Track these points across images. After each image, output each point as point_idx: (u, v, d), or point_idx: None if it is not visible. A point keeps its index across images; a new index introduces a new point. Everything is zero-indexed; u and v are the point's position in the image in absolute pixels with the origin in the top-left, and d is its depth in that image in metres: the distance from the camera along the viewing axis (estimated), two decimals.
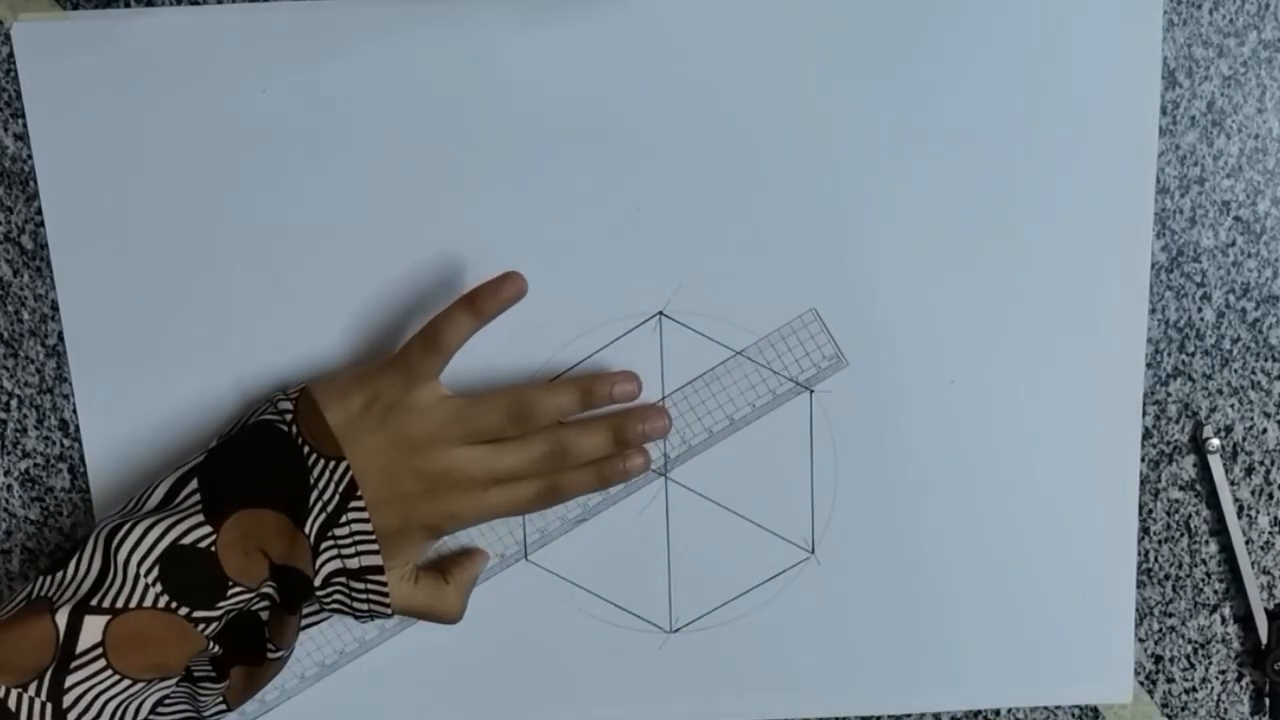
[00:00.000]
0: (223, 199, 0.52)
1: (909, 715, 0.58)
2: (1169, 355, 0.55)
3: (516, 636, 0.57)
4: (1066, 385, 0.54)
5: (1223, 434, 0.56)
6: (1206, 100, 0.53)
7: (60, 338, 0.54)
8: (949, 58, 0.52)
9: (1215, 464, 0.56)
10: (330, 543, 0.48)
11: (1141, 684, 0.58)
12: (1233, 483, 0.56)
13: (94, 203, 0.52)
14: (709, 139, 0.52)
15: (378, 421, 0.49)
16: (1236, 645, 0.58)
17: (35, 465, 0.55)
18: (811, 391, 0.55)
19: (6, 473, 0.55)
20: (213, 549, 0.47)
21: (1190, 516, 0.57)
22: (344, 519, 0.48)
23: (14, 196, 0.53)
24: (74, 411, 0.54)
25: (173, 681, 0.48)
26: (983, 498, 0.55)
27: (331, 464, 0.48)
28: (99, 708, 0.46)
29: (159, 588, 0.46)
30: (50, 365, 0.54)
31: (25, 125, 0.52)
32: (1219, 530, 0.57)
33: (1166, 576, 0.57)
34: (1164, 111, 0.53)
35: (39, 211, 0.53)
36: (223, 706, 0.52)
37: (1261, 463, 0.56)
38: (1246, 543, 0.56)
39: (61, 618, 0.45)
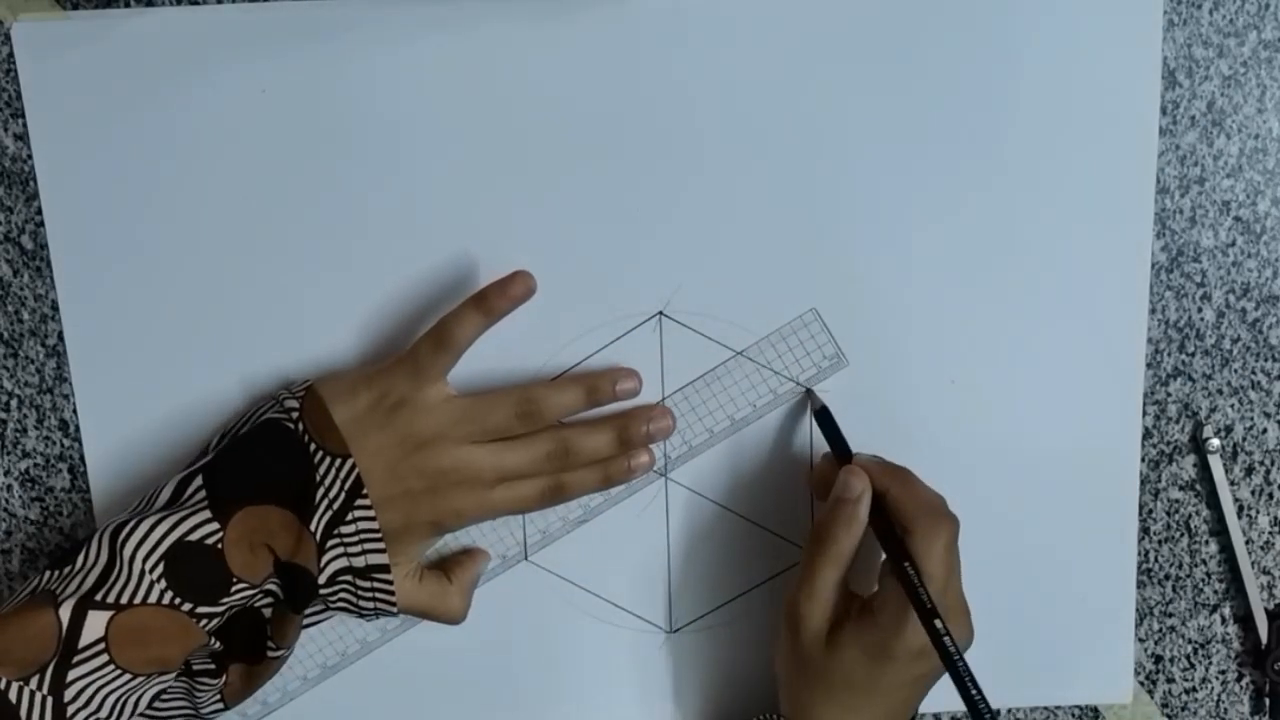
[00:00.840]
0: (222, 199, 0.52)
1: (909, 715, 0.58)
2: (1169, 355, 0.55)
3: (516, 636, 0.57)
4: (1066, 385, 0.54)
5: (1223, 434, 0.56)
6: (1206, 100, 0.53)
7: (60, 338, 0.54)
8: (949, 58, 0.52)
9: (1215, 464, 0.56)
10: (336, 541, 0.48)
11: (1141, 684, 0.58)
12: (1233, 483, 0.56)
13: (94, 203, 0.52)
14: (709, 139, 0.52)
15: (384, 419, 0.49)
16: (1236, 645, 0.58)
17: (35, 465, 0.55)
18: (811, 391, 0.55)
19: (6, 473, 0.55)
20: (219, 545, 0.47)
21: (1190, 516, 0.57)
22: (350, 516, 0.48)
23: (14, 196, 0.53)
24: (74, 411, 0.54)
25: (171, 675, 0.48)
26: (983, 498, 0.55)
27: (338, 461, 0.48)
28: (99, 701, 0.46)
29: (163, 584, 0.46)
30: (50, 365, 0.54)
31: (25, 125, 0.52)
32: (1219, 530, 0.57)
33: (1166, 576, 0.57)
34: (1164, 111, 0.53)
35: (39, 211, 0.53)
36: (219, 704, 0.52)
37: (1261, 463, 0.56)
38: (1246, 543, 0.56)
39: (65, 612, 0.45)
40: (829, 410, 0.53)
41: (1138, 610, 0.57)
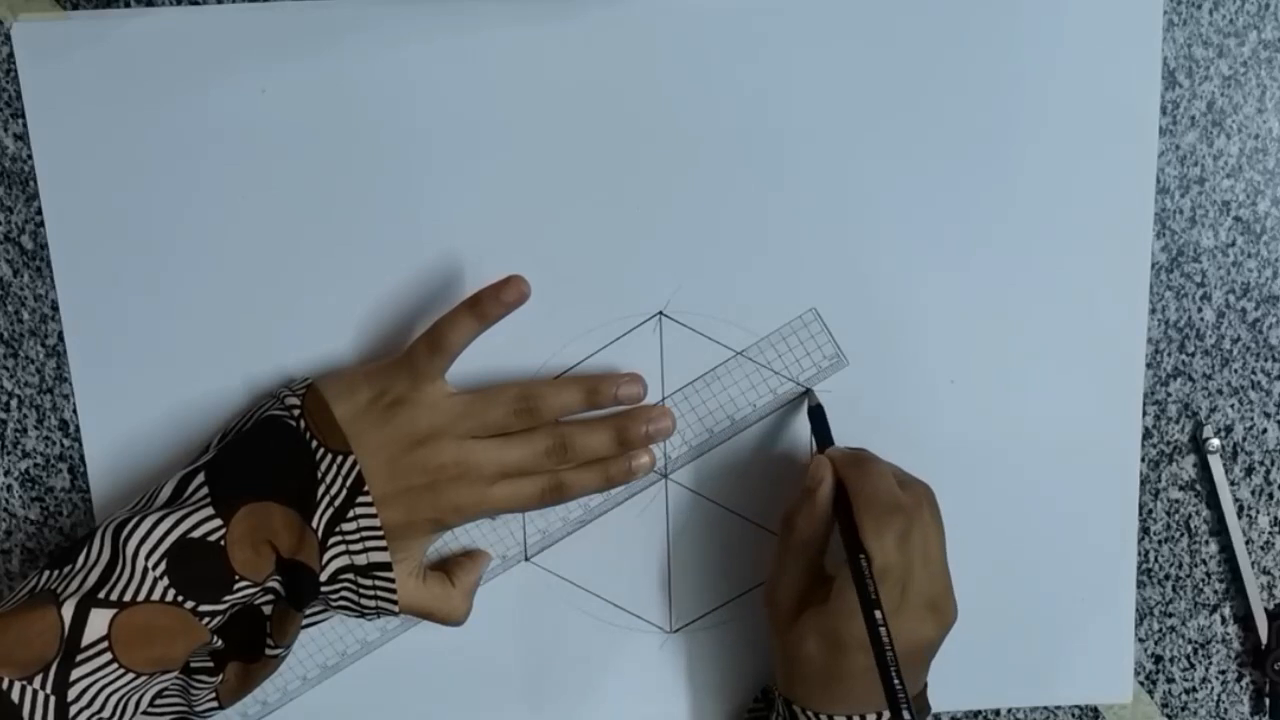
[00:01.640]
0: (222, 199, 0.52)
1: None
2: (1169, 355, 0.55)
3: (516, 636, 0.57)
4: (1066, 385, 0.54)
5: (1223, 434, 0.56)
6: (1206, 100, 0.53)
7: (60, 338, 0.54)
8: (949, 58, 0.52)
9: (1215, 464, 0.56)
10: (338, 538, 0.48)
11: (1141, 684, 0.58)
12: (1233, 483, 0.56)
13: (94, 203, 0.52)
14: (709, 139, 0.52)
15: (384, 416, 0.49)
16: (1236, 645, 0.58)
17: (35, 465, 0.55)
18: (811, 391, 0.55)
19: (6, 473, 0.55)
20: (221, 542, 0.47)
21: (1190, 516, 0.57)
22: (351, 514, 0.48)
23: (14, 196, 0.53)
24: (74, 411, 0.54)
25: (173, 674, 0.48)
26: (983, 498, 0.55)
27: (339, 458, 0.48)
28: (102, 701, 0.46)
29: (166, 581, 0.46)
30: (50, 365, 0.54)
31: (25, 125, 0.52)
32: (1219, 530, 0.57)
33: (1166, 576, 0.57)
34: (1164, 111, 0.53)
35: (39, 211, 0.53)
36: (214, 704, 0.51)
37: (1261, 463, 0.56)
38: (1246, 543, 0.56)
39: (68, 610, 0.45)
40: (822, 408, 0.53)
41: (1138, 610, 0.57)
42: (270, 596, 0.50)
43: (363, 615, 0.51)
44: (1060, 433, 0.55)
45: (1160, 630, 0.58)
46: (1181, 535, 0.57)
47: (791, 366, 0.54)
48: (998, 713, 0.59)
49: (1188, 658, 0.58)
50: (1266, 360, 0.55)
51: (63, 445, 0.55)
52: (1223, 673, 0.58)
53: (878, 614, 0.45)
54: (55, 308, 0.54)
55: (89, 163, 0.52)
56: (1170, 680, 0.59)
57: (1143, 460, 0.56)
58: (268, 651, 0.51)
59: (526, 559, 0.56)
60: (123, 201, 0.52)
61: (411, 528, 0.50)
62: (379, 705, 0.57)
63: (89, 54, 0.51)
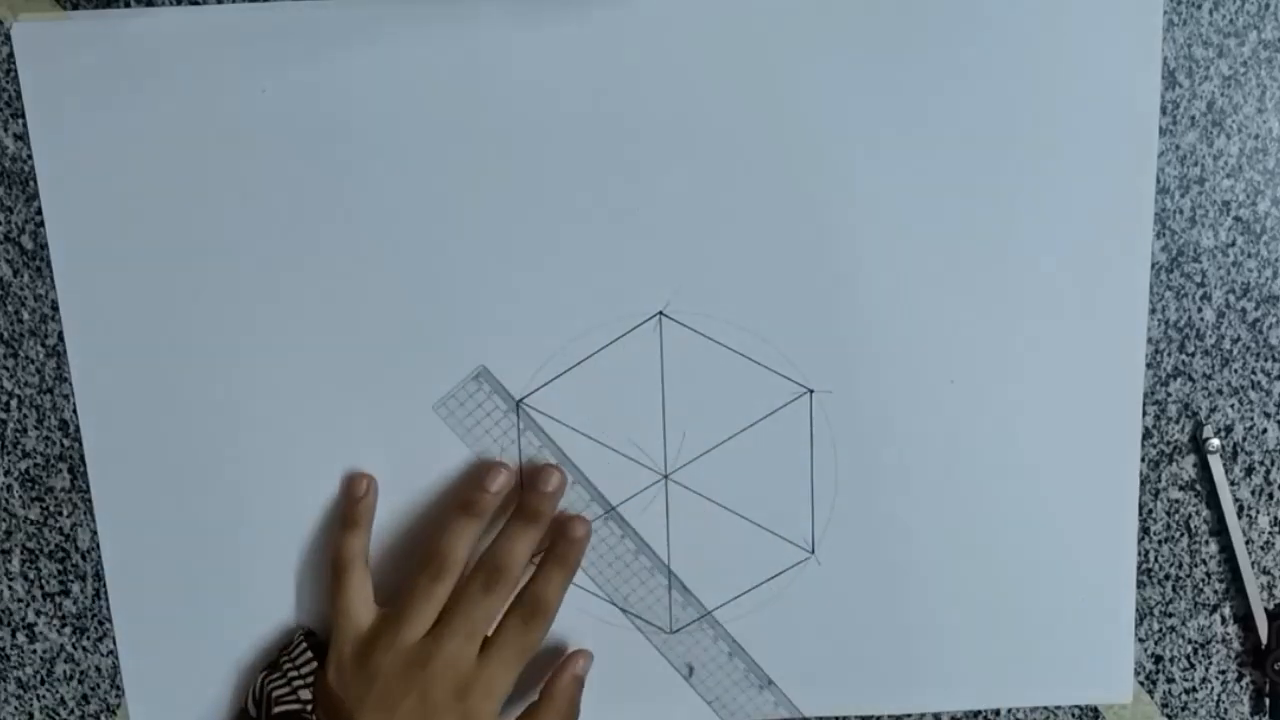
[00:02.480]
0: (223, 199, 0.52)
1: (909, 715, 0.58)
2: (1169, 355, 0.55)
3: None
4: (1066, 385, 0.54)
5: (1223, 434, 0.56)
6: (1206, 100, 0.53)
7: (60, 338, 0.54)
8: (949, 57, 0.52)
9: (1215, 464, 0.56)
10: None
11: (1141, 684, 0.58)
12: (1233, 483, 0.56)
13: (94, 203, 0.52)
14: (709, 138, 0.52)
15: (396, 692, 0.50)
16: (1236, 645, 0.58)
17: (35, 465, 0.55)
18: (811, 391, 0.55)
19: (6, 473, 0.55)
20: None
21: (1190, 516, 0.57)
22: None
23: (14, 196, 0.53)
24: (74, 411, 0.54)
25: None
26: (983, 498, 0.55)
27: None
28: None
29: None
30: (50, 365, 0.54)
31: (25, 125, 0.52)
32: (1219, 530, 0.57)
33: (1166, 576, 0.57)
34: (1164, 111, 0.53)
35: (39, 211, 0.53)
36: None
37: (1261, 463, 0.56)
38: (1246, 543, 0.56)
39: None
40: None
41: (1138, 610, 0.57)
42: None
43: None
44: (1060, 433, 0.55)
45: (1160, 630, 0.58)
46: (1181, 535, 0.57)
47: (792, 366, 0.54)
48: (998, 713, 0.59)
49: (1188, 658, 0.58)
50: (1266, 360, 0.55)
51: (63, 445, 0.55)
52: (1223, 673, 0.58)
53: None
54: (55, 308, 0.54)
55: (89, 163, 0.52)
56: (1170, 680, 0.59)
57: (1143, 460, 0.56)
58: None
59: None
60: (123, 201, 0.52)
61: None
62: None
63: (89, 54, 0.51)
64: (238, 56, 0.51)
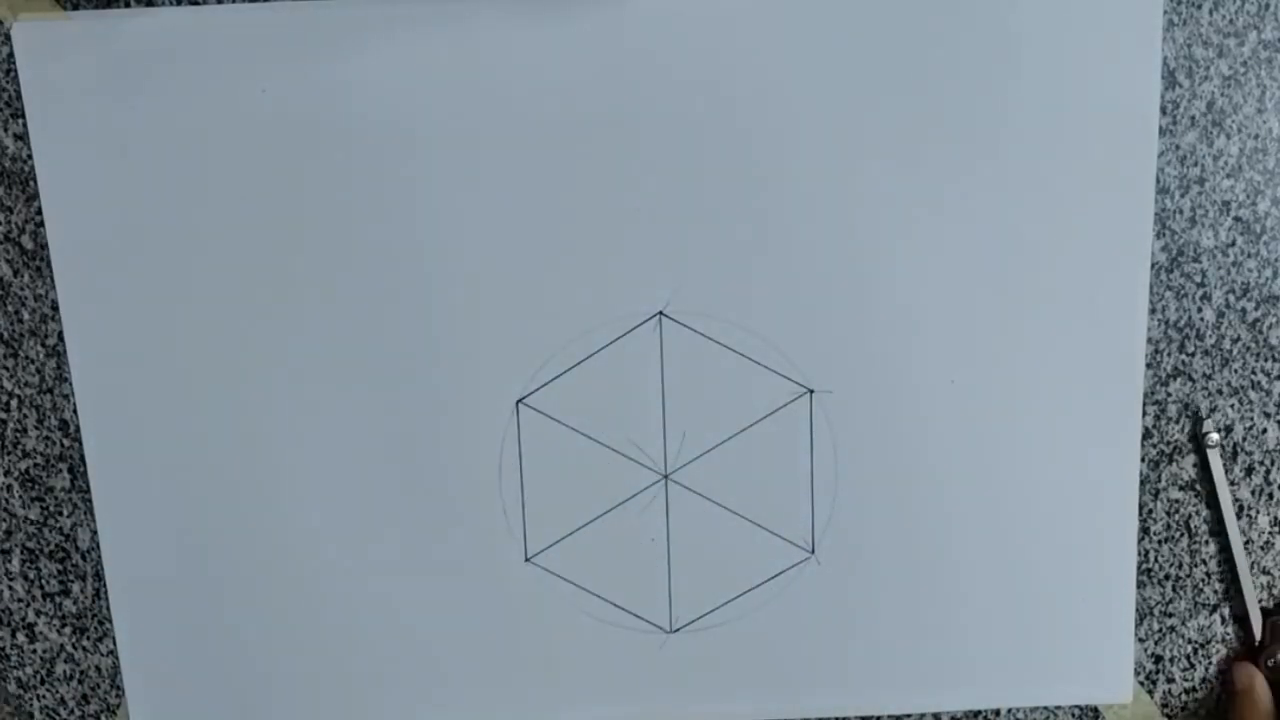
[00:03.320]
0: (222, 199, 0.52)
1: (909, 715, 0.58)
2: (1169, 355, 0.55)
3: (516, 636, 0.57)
4: (1066, 385, 0.55)
5: (1223, 434, 0.56)
6: (1206, 100, 0.53)
7: (60, 338, 0.54)
8: (949, 58, 0.52)
9: (1215, 464, 0.56)
10: None
11: (1141, 684, 0.58)
12: (1233, 483, 0.56)
13: (94, 203, 0.52)
14: (709, 138, 0.52)
15: None
16: (1236, 645, 0.58)
17: (35, 465, 0.55)
18: (811, 392, 0.55)
19: (6, 473, 0.55)
20: None
21: (1190, 516, 0.57)
22: None
23: (14, 196, 0.53)
24: (74, 411, 0.54)
25: None
26: (983, 498, 0.55)
27: None
28: None
29: None
30: (50, 365, 0.54)
31: (25, 125, 0.52)
32: (1219, 530, 0.57)
33: (1166, 576, 0.57)
34: (1164, 111, 0.53)
35: (39, 211, 0.53)
36: None
37: (1261, 463, 0.56)
38: (1246, 543, 0.56)
39: None
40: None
41: (1138, 610, 0.57)
42: None
43: None
44: (1060, 433, 0.55)
45: (1160, 630, 0.58)
46: (1181, 535, 0.57)
47: (792, 366, 0.54)
48: (998, 713, 0.59)
49: (1188, 658, 0.58)
50: (1266, 360, 0.55)
51: (63, 445, 0.55)
52: (1223, 672, 0.58)
53: None
54: (55, 308, 0.54)
55: (89, 163, 0.52)
56: (1170, 680, 0.59)
57: (1143, 460, 0.56)
58: None
59: (527, 559, 0.56)
60: (123, 201, 0.52)
61: None
62: (379, 704, 0.57)
63: (89, 54, 0.51)
64: (238, 56, 0.51)
